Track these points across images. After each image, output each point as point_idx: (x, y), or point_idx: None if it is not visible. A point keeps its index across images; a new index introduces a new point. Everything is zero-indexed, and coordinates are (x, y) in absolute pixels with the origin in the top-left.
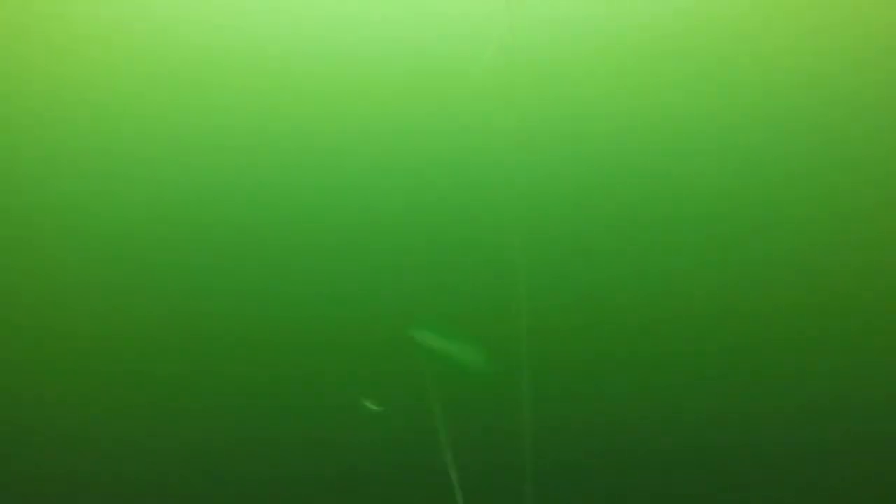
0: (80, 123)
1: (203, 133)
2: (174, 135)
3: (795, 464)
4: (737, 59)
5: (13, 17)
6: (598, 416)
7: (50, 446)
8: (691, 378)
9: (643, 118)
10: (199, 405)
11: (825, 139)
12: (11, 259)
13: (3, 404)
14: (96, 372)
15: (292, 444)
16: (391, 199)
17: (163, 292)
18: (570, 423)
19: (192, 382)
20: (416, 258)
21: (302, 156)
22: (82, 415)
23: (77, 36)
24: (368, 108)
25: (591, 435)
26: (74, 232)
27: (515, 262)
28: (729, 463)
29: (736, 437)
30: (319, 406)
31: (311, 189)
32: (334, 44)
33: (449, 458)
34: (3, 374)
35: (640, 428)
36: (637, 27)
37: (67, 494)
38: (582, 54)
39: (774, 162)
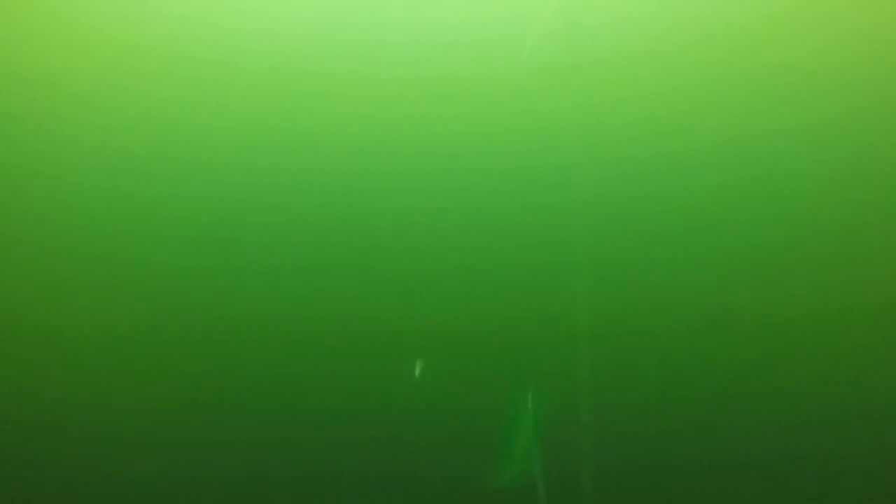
0: (80, 122)
1: (206, 132)
2: (175, 134)
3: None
4: (789, 64)
5: (12, 16)
6: (660, 426)
7: (51, 444)
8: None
9: (671, 125)
10: (202, 404)
11: (846, 149)
12: (11, 257)
13: (3, 403)
14: (96, 370)
15: (296, 444)
16: (407, 201)
17: (164, 291)
18: (633, 436)
19: (194, 381)
20: (432, 260)
21: (314, 157)
22: (83, 413)
23: (77, 34)
24: (384, 111)
25: (654, 446)
26: (73, 229)
27: (565, 269)
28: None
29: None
30: (322, 406)
31: (320, 191)
32: (350, 46)
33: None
34: (3, 373)
35: (697, 437)
36: (667, 31)
37: (68, 492)
38: (608, 56)
39: (803, 172)
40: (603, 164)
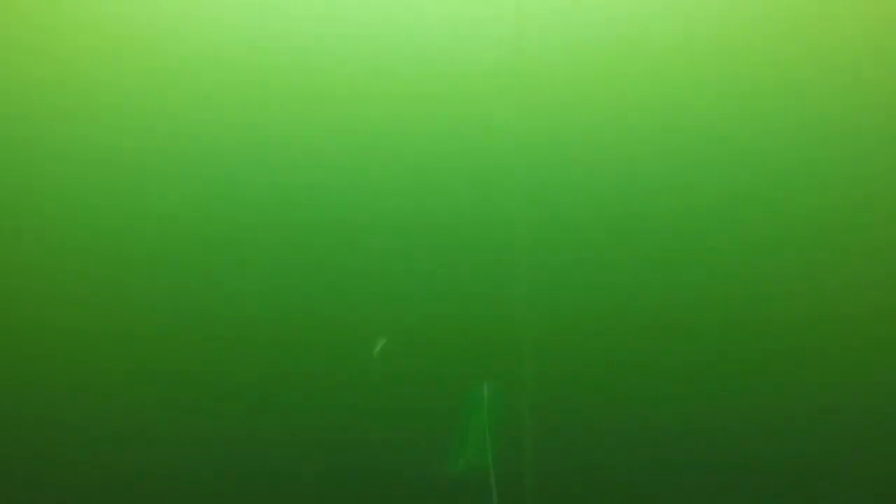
0: (79, 122)
1: (208, 132)
2: (177, 133)
3: (813, 475)
4: (753, 65)
5: (12, 16)
6: (599, 425)
7: (54, 441)
8: (703, 386)
9: (652, 123)
10: (206, 402)
11: (846, 149)
12: (16, 256)
13: (8, 400)
14: (101, 368)
15: (299, 442)
16: (391, 201)
17: (168, 290)
18: (573, 433)
19: (198, 380)
20: (414, 260)
21: (302, 155)
22: (86, 410)
23: (77, 34)
24: (368, 109)
25: (594, 444)
26: (77, 228)
27: (518, 267)
28: (736, 473)
29: (746, 449)
30: (325, 405)
31: (312, 188)
32: (333, 43)
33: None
34: (7, 371)
35: (644, 438)
36: (646, 29)
37: (71, 489)
38: (589, 57)
39: (791, 170)
40: (569, 165)
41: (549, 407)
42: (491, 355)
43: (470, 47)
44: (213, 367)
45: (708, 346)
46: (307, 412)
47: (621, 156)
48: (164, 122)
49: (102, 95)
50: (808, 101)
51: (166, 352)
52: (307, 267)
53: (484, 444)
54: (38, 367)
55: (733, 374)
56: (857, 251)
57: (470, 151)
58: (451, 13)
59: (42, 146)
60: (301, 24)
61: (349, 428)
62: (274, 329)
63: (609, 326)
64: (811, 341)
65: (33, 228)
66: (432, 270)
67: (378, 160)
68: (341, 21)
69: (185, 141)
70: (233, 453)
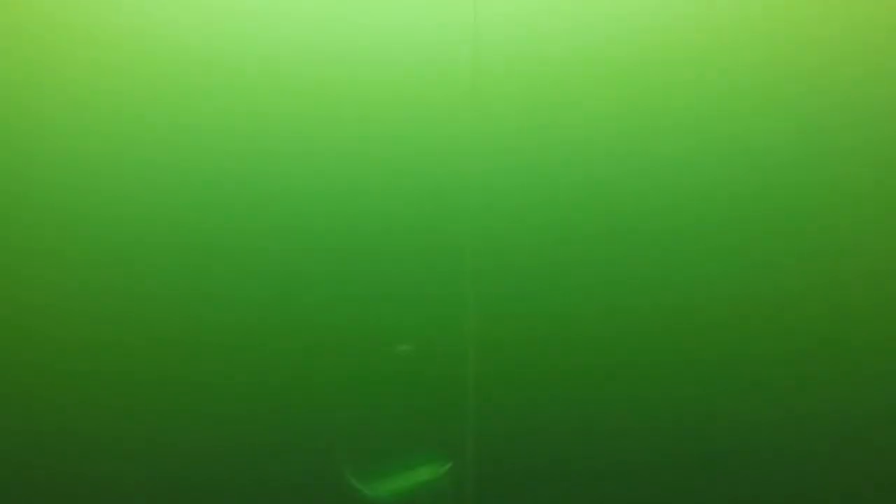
0: (78, 124)
1: (208, 135)
2: (177, 136)
3: (800, 471)
4: (737, 60)
5: (12, 16)
6: (555, 425)
7: (54, 448)
8: (689, 385)
9: (634, 122)
10: (206, 408)
11: (842, 145)
12: (14, 261)
13: (8, 407)
14: (100, 375)
15: (299, 448)
16: (400, 206)
17: (168, 295)
18: (519, 434)
19: (199, 385)
20: (388, 264)
21: (291, 159)
22: (86, 416)
23: (76, 35)
24: (380, 115)
25: (537, 445)
26: (76, 234)
27: (467, 272)
28: (726, 469)
29: (735, 445)
30: (321, 409)
31: (302, 192)
32: (334, 49)
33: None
34: (7, 377)
35: (612, 437)
36: (626, 26)
37: (70, 495)
38: (562, 55)
39: (784, 167)
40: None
41: (495, 409)
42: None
43: (430, 51)
44: (215, 373)
45: (698, 345)
46: (307, 418)
47: (592, 157)
48: (164, 127)
49: (100, 101)
50: (808, 99)
51: (167, 359)
52: (281, 272)
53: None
54: (35, 375)
55: (720, 373)
56: (859, 251)
57: (438, 155)
58: (411, 19)
59: (38, 152)
60: (268, 28)
61: (352, 432)
62: (261, 335)
63: (600, 326)
64: (811, 340)
65: (30, 235)
66: (389, 273)
67: (375, 167)
68: (335, 25)
69: (183, 145)
70: (235, 460)
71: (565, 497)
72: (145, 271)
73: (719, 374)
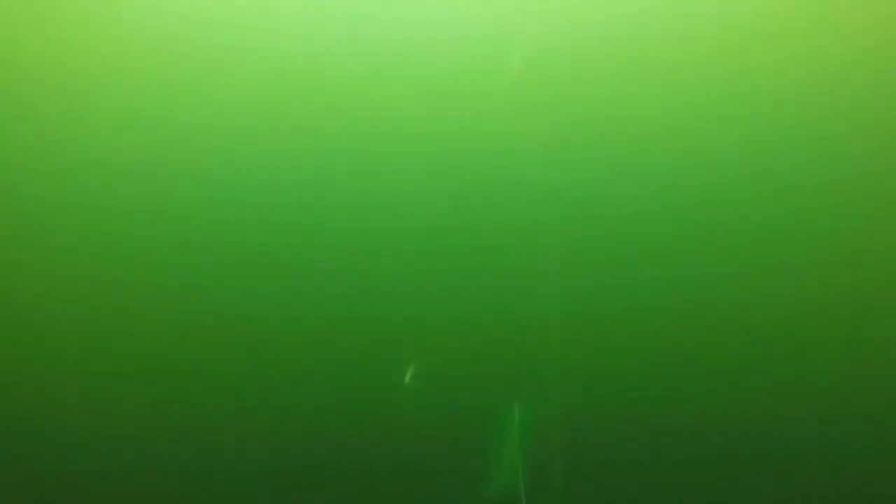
0: (77, 123)
1: (207, 133)
2: (175, 134)
3: (799, 472)
4: (770, 65)
5: (11, 16)
6: (602, 424)
7: (51, 444)
8: (699, 385)
9: (662, 123)
10: (202, 404)
11: (845, 148)
12: (13, 257)
13: (5, 403)
14: (96, 370)
15: (294, 442)
16: (402, 203)
17: (165, 291)
18: (576, 431)
19: (195, 381)
20: (424, 261)
21: (311, 156)
22: (82, 412)
23: (75, 34)
24: (382, 111)
25: (592, 443)
26: (73, 230)
27: (530, 268)
28: (729, 470)
29: (740, 445)
30: (321, 406)
31: (320, 191)
32: (339, 45)
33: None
34: (3, 373)
35: (645, 436)
36: (662, 29)
37: (67, 492)
38: (596, 57)
39: (796, 170)
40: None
41: (576, 408)
42: (511, 357)
43: (472, 45)
44: (217, 369)
45: (721, 346)
46: (311, 414)
47: (625, 154)
48: (167, 125)
49: (103, 99)
50: (809, 100)
51: (169, 354)
52: (314, 270)
53: (516, 469)
54: (32, 370)
55: (748, 373)
56: (860, 251)
57: (475, 152)
58: (450, 12)
59: (42, 149)
60: (297, 25)
61: (363, 429)
62: (285, 331)
63: (621, 327)
64: (811, 340)
65: (34, 231)
66: (437, 271)
67: (380, 163)
68: (340, 22)
69: (187, 142)
70: (234, 455)
71: (653, 491)
72: (148, 267)
73: (746, 374)
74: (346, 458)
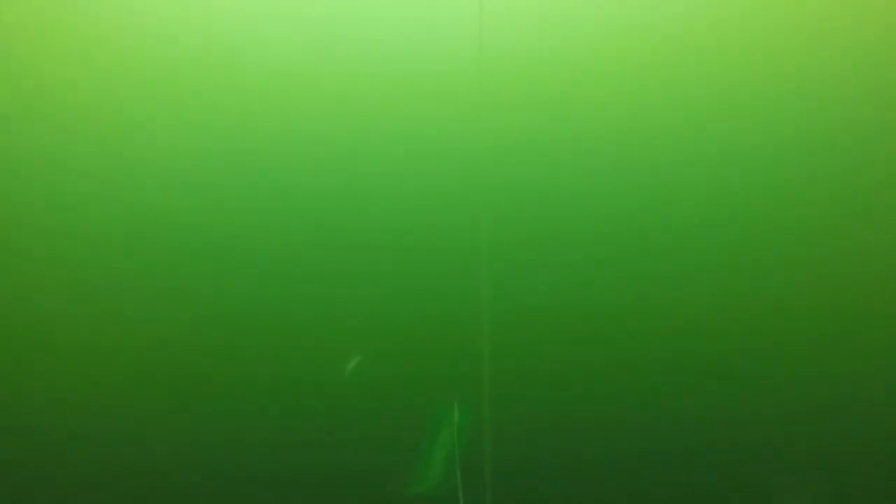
0: (76, 123)
1: (205, 134)
2: (173, 135)
3: (793, 467)
4: (733, 60)
5: (11, 16)
6: (563, 419)
7: (48, 445)
8: (686, 382)
9: (635, 122)
10: (200, 405)
11: (836, 144)
12: (9, 259)
13: (13, 407)
14: (93, 372)
15: (292, 444)
16: (372, 203)
17: (162, 293)
18: (533, 427)
19: (193, 383)
20: (390, 261)
21: (291, 158)
22: (79, 414)
23: (74, 36)
24: (347, 112)
25: (552, 439)
26: (70, 233)
27: (482, 267)
28: (724, 466)
29: (733, 441)
30: (317, 406)
31: (299, 191)
32: (308, 46)
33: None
34: (10, 379)
35: (620, 431)
36: (630, 26)
37: (65, 492)
38: (565, 54)
39: (779, 166)
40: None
41: (510, 405)
42: (459, 358)
43: (438, 49)
44: (211, 371)
45: (712, 341)
46: (301, 414)
47: (598, 155)
48: (163, 130)
49: (94, 99)
50: (810, 102)
51: (164, 357)
52: (288, 271)
53: (452, 464)
54: (31, 374)
55: (736, 368)
56: (860, 249)
57: (444, 153)
58: (417, 16)
59: (40, 154)
60: (273, 28)
61: (341, 428)
62: (264, 334)
63: (597, 325)
64: (810, 339)
65: (32, 238)
66: (404, 270)
67: (355, 163)
68: (315, 24)
69: (182, 150)
70: (228, 456)
71: (578, 489)
72: (144, 268)
73: (746, 369)
74: (338, 457)
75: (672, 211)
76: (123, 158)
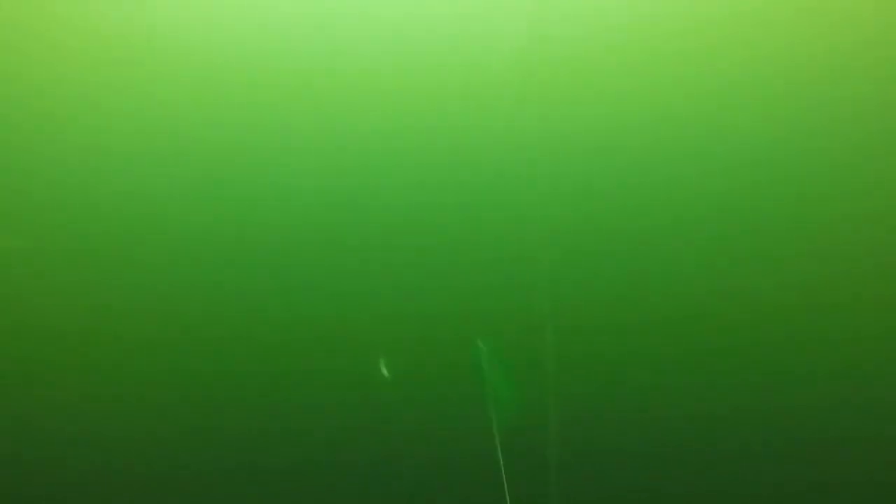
0: (75, 122)
1: (205, 132)
2: (173, 133)
3: (799, 463)
4: (768, 58)
5: (12, 16)
6: (617, 412)
7: (49, 443)
8: (705, 377)
9: (665, 118)
10: (198, 402)
11: (835, 141)
12: (13, 259)
13: (14, 403)
14: (93, 369)
15: (290, 439)
16: (406, 199)
17: (162, 290)
18: (594, 420)
19: (191, 380)
20: (428, 258)
21: (311, 155)
22: (79, 411)
23: (74, 35)
24: (382, 107)
25: (612, 430)
26: (71, 230)
27: (534, 263)
28: (731, 462)
29: (745, 437)
30: (319, 403)
31: (321, 190)
32: (341, 42)
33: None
34: (11, 374)
35: (656, 426)
36: (665, 24)
37: (65, 490)
38: (602, 52)
39: (793, 163)
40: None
41: (571, 393)
42: (512, 350)
43: (484, 46)
44: (216, 367)
45: (726, 337)
46: (311, 410)
47: (632, 153)
48: (167, 129)
49: (93, 97)
50: (811, 102)
51: (168, 353)
52: (319, 268)
53: (491, 401)
54: (33, 369)
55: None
56: (859, 248)
57: (482, 150)
58: (464, 12)
59: (44, 151)
60: (313, 27)
61: (360, 425)
62: (279, 330)
63: (622, 319)
64: (811, 338)
65: (35, 234)
66: (444, 267)
67: (389, 161)
68: (349, 23)
69: (188, 148)
70: (234, 451)
71: (639, 479)
72: (146, 268)
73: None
74: (337, 453)
75: (746, 203)
76: (129, 155)
